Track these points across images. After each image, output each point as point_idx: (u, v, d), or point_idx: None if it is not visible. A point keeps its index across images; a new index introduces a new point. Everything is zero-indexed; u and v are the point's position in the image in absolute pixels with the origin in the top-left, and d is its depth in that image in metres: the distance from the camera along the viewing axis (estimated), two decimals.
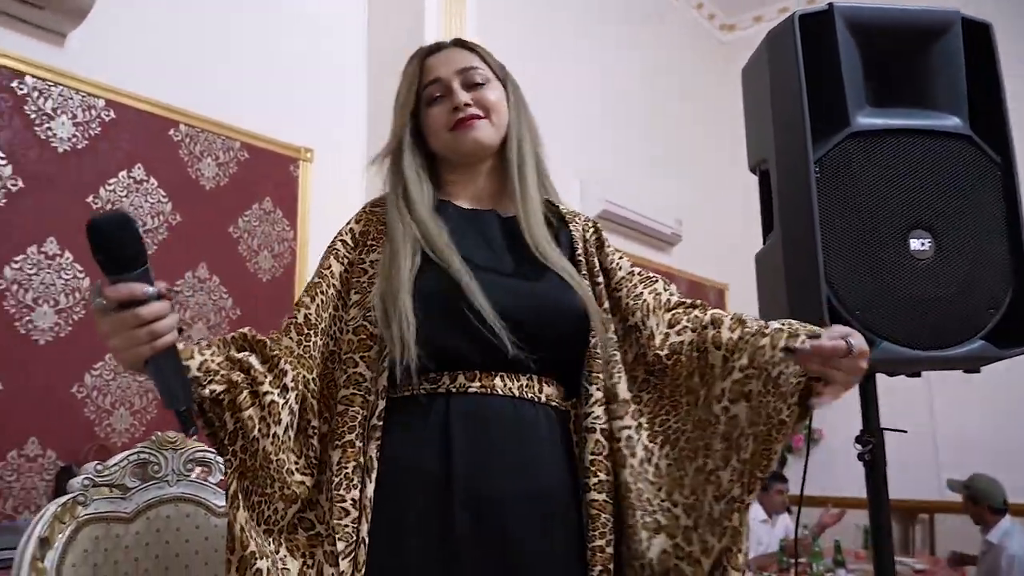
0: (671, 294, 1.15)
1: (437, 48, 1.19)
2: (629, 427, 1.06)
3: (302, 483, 0.97)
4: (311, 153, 2.88)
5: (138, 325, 0.81)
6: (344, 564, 0.95)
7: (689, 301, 1.14)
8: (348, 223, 1.15)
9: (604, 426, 1.05)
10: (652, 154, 4.65)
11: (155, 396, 2.39)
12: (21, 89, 2.17)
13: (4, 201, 2.12)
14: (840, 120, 1.29)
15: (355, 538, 0.97)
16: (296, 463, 0.97)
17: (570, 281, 1.07)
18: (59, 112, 2.25)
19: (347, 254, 1.11)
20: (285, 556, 0.95)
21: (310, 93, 2.94)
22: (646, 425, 1.08)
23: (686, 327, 1.09)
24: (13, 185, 2.14)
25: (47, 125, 2.22)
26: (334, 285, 1.09)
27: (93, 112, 2.32)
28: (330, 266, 1.10)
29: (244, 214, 2.68)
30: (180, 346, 0.89)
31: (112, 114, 2.36)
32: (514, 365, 1.03)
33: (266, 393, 0.94)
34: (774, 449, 0.95)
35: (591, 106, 4.21)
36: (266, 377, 0.95)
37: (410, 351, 0.98)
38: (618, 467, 1.05)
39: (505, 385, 1.03)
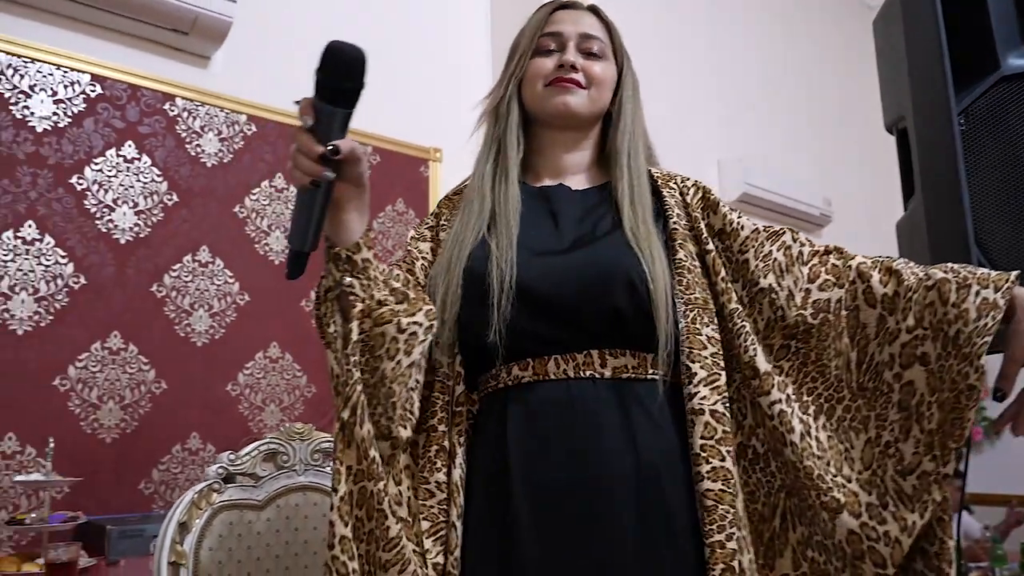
0: (802, 244, 1.05)
1: (570, 5, 1.16)
2: (779, 401, 0.97)
3: (398, 432, 0.96)
4: (440, 153, 2.94)
5: (297, 150, 0.87)
6: (428, 543, 0.95)
7: (822, 248, 1.04)
8: (433, 211, 1.17)
9: (714, 407, 0.97)
10: (795, 132, 4.39)
11: (303, 393, 2.51)
12: (172, 110, 2.35)
13: (162, 215, 2.30)
14: (988, 64, 1.14)
15: (442, 519, 0.96)
16: (393, 414, 0.96)
17: (638, 247, 1.00)
18: (206, 129, 2.42)
19: (431, 237, 1.12)
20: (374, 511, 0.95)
21: (436, 94, 2.99)
22: (794, 396, 0.99)
23: (829, 281, 1.00)
24: (169, 199, 2.31)
25: (196, 142, 2.39)
26: (426, 257, 1.10)
27: (236, 127, 2.47)
28: (417, 245, 1.11)
29: (378, 216, 2.77)
30: (371, 234, 0.95)
31: (253, 128, 2.51)
32: (568, 345, 0.98)
33: (412, 323, 0.95)
34: (966, 417, 0.87)
35: (727, 85, 4.04)
36: (420, 310, 0.96)
37: (444, 324, 0.99)
38: (778, 445, 0.97)
39: (559, 368, 0.98)
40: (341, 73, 0.85)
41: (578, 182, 1.13)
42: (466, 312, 1.00)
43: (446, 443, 0.99)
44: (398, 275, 0.99)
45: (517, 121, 1.11)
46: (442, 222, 1.12)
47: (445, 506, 0.97)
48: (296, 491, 1.34)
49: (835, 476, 0.94)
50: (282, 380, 2.47)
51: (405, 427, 0.96)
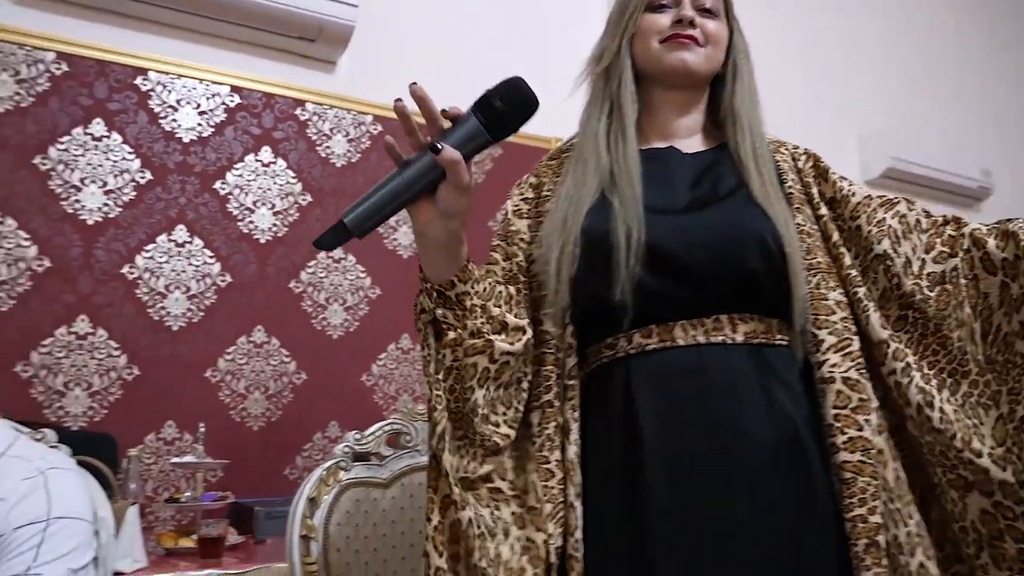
0: (918, 214, 0.98)
1: None
2: (894, 371, 0.91)
3: (507, 436, 0.94)
4: (560, 143, 2.92)
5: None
6: (551, 526, 0.91)
7: (940, 218, 0.98)
8: (524, 179, 1.12)
9: (847, 374, 0.91)
10: (946, 97, 4.06)
11: None
12: (303, 115, 2.47)
13: (297, 215, 2.42)
14: None
15: (561, 499, 0.92)
16: (504, 415, 0.94)
17: (767, 208, 0.95)
18: (335, 131, 2.52)
19: (527, 210, 1.08)
20: (480, 511, 0.92)
21: (556, 86, 2.99)
22: (914, 366, 0.92)
23: (943, 253, 0.94)
24: (303, 200, 2.43)
25: (326, 144, 2.50)
26: (524, 239, 1.05)
27: (363, 128, 2.57)
28: (515, 222, 1.07)
29: (501, 208, 2.79)
30: (471, 266, 0.90)
31: (379, 128, 2.59)
32: (694, 310, 0.93)
33: (505, 353, 0.92)
34: None
35: (868, 51, 3.79)
36: (519, 340, 0.93)
37: (562, 285, 0.94)
38: (898, 419, 0.92)
39: (687, 334, 0.93)
40: (510, 102, 0.82)
41: (687, 146, 1.08)
42: (584, 274, 0.95)
43: (561, 419, 0.96)
44: (500, 292, 0.96)
45: (631, 78, 1.07)
46: (544, 192, 1.08)
47: (563, 485, 0.93)
48: (420, 470, 1.37)
49: (960, 452, 0.86)
50: (414, 370, 2.54)
51: (515, 428, 0.95)
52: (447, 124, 0.83)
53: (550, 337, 0.98)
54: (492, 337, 0.91)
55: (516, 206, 1.09)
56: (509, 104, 0.82)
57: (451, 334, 0.90)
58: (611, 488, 0.93)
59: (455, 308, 0.90)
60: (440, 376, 0.91)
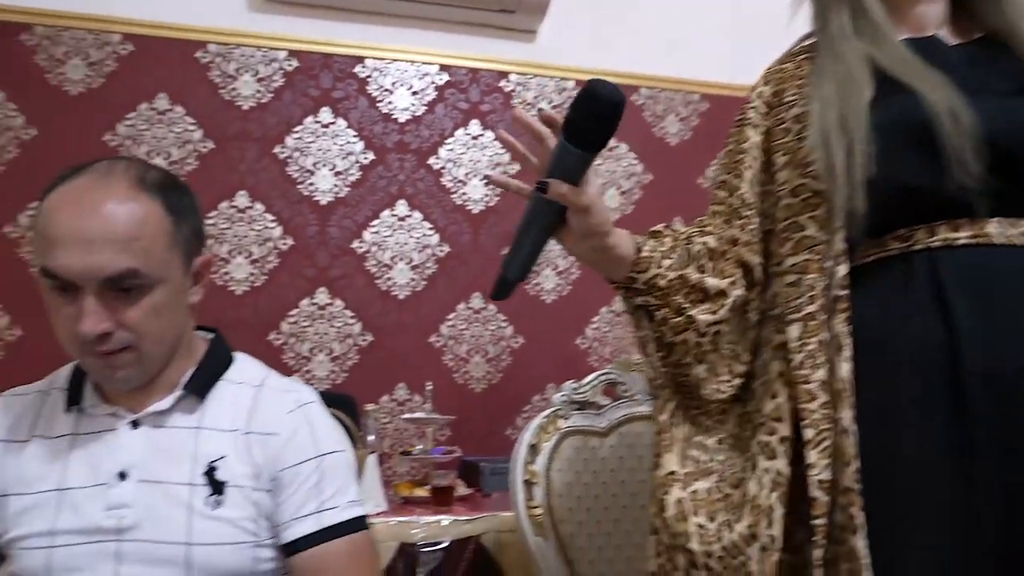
0: None
1: None
2: None
3: (739, 379, 0.91)
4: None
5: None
6: (814, 455, 0.81)
7: None
8: (754, 89, 1.02)
9: None
10: None
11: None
12: (507, 87, 2.52)
13: (500, 194, 2.49)
14: None
15: (829, 426, 0.82)
16: (737, 362, 0.91)
17: None
18: (539, 99, 2.56)
19: (762, 120, 0.99)
20: (734, 460, 0.90)
21: (759, 34, 2.81)
22: None
23: None
24: (511, 170, 2.49)
25: (532, 112, 2.53)
26: (757, 158, 0.97)
27: (566, 94, 2.58)
28: (748, 137, 0.98)
29: (711, 163, 2.69)
30: (645, 252, 0.87)
31: None
32: (1012, 206, 0.82)
33: (712, 323, 0.88)
34: None
35: None
36: (721, 306, 0.89)
37: (856, 191, 0.83)
38: None
39: (1003, 232, 0.82)
40: (589, 116, 0.78)
41: (944, 37, 0.96)
42: (885, 168, 0.84)
43: (826, 334, 0.85)
44: (699, 250, 0.90)
45: None
46: (787, 98, 0.97)
47: (829, 409, 0.83)
48: (637, 420, 1.36)
49: None
50: (627, 333, 2.52)
51: (747, 366, 0.92)
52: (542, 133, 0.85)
53: (815, 243, 0.89)
54: (693, 312, 0.88)
55: (752, 112, 1.00)
56: (582, 113, 0.78)
57: (657, 315, 0.89)
58: (908, 405, 0.82)
59: (650, 293, 0.88)
60: (662, 353, 0.90)
